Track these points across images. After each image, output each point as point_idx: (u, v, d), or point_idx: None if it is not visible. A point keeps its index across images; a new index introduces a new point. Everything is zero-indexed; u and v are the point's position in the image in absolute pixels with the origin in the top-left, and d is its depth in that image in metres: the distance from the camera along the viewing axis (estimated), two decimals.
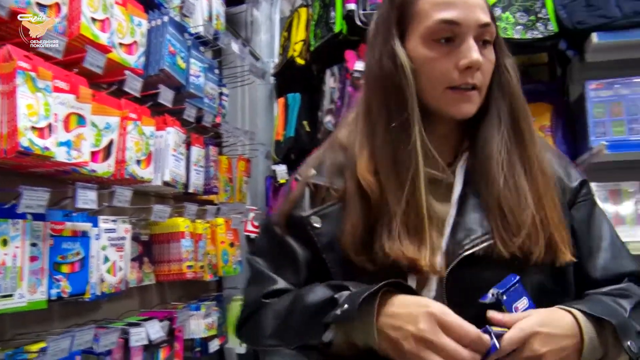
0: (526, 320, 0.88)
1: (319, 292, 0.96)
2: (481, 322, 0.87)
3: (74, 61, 1.51)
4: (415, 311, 0.86)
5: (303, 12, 3.24)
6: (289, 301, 1.00)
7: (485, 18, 1.00)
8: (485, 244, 0.97)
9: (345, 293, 0.91)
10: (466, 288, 0.94)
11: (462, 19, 0.98)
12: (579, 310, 0.92)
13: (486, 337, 0.84)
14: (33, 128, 1.28)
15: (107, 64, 1.61)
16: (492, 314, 0.89)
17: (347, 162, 1.06)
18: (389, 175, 0.99)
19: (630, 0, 2.16)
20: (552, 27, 2.28)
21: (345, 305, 0.87)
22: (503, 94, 1.04)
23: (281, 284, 1.06)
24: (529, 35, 2.28)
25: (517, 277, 0.91)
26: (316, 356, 0.95)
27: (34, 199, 1.24)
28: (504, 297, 0.90)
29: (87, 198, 1.41)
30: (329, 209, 1.05)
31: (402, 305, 0.88)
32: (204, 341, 2.21)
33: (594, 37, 2.18)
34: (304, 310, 0.96)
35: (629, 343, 0.89)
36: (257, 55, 3.49)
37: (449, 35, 0.99)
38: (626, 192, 2.26)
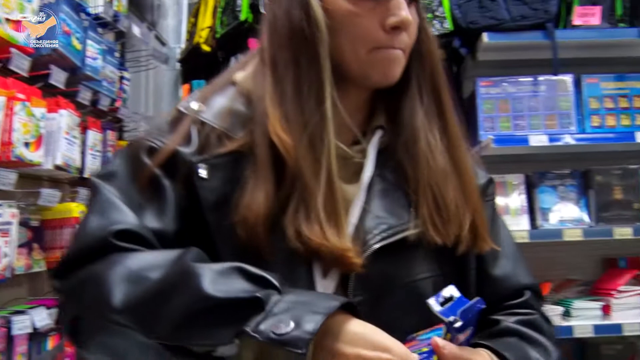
0: None
1: (231, 282, 0.69)
2: (395, 320, 0.77)
3: None
4: (372, 356, 0.66)
5: None
6: (174, 271, 0.71)
7: None
8: (402, 234, 0.84)
9: (275, 297, 0.67)
10: (378, 284, 0.82)
11: None
12: None
13: None
14: None
15: None
16: (437, 341, 0.73)
17: (254, 115, 0.85)
18: (302, 145, 0.81)
19: (518, 5, 2.31)
20: (448, 25, 2.39)
21: (291, 325, 0.64)
22: (424, 62, 0.91)
23: (137, 224, 0.78)
24: None
25: (483, 306, 0.78)
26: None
27: None
28: (458, 324, 0.74)
29: None
30: (220, 160, 0.83)
31: (352, 341, 0.67)
32: None
33: (485, 37, 2.31)
34: (201, 300, 0.68)
35: None
36: (163, 40, 3.44)
37: None
38: (511, 185, 2.41)
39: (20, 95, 1.67)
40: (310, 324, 0.63)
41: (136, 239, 0.77)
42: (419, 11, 0.90)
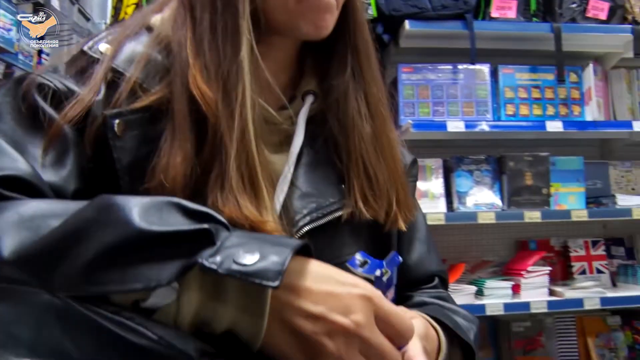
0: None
1: (168, 217, 0.54)
2: None
3: None
4: (343, 292, 0.57)
5: None
6: (84, 211, 0.55)
7: None
8: (333, 215, 0.78)
9: (224, 232, 0.54)
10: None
11: None
12: (443, 327, 0.79)
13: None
14: None
15: None
16: None
17: (173, 65, 0.74)
18: (218, 98, 0.71)
19: None
20: (372, 11, 2.44)
21: (256, 255, 0.52)
22: (353, 22, 0.84)
23: (30, 171, 0.64)
24: None
25: (401, 259, 0.77)
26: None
27: None
28: (387, 276, 0.72)
29: None
30: (136, 115, 0.72)
31: (318, 279, 0.58)
32: None
33: (407, 25, 2.38)
34: (129, 236, 0.52)
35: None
36: (87, 14, 3.33)
37: None
38: (429, 168, 2.50)
39: None
40: (277, 257, 0.52)
41: (28, 189, 0.62)
42: None
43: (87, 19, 3.36)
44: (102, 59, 0.74)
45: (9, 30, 2.03)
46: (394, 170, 0.83)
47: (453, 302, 0.94)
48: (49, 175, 0.67)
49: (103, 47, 0.76)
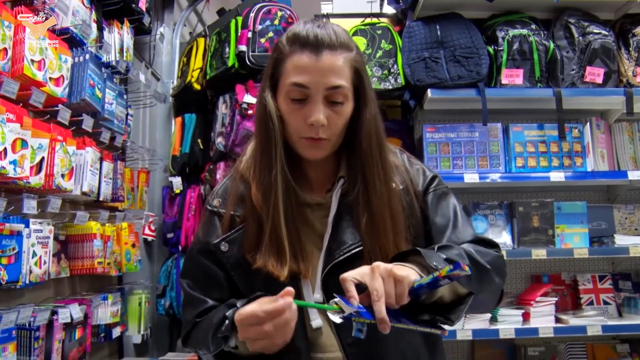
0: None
1: (218, 312, 1.14)
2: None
3: (21, 97, 1.90)
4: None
5: (201, 42, 3.65)
6: (207, 321, 1.19)
7: (336, 81, 1.17)
8: (354, 251, 1.17)
9: (230, 312, 1.09)
10: (339, 286, 1.03)
11: (311, 82, 1.15)
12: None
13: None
14: None
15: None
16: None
17: (246, 190, 1.25)
18: (261, 200, 1.20)
19: (456, 66, 2.84)
20: (401, 80, 2.91)
21: (225, 324, 1.08)
22: (369, 140, 1.22)
23: (209, 302, 1.23)
24: (382, 86, 2.90)
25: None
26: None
27: None
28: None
29: (30, 205, 1.81)
30: (234, 235, 1.23)
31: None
32: (108, 328, 2.61)
33: (429, 92, 2.84)
34: (210, 329, 1.13)
35: (434, 263, 1.05)
36: (157, 75, 3.87)
37: (300, 97, 1.17)
38: None
39: (59, 137, 2.13)
40: (226, 322, 1.11)
41: (210, 311, 1.23)
42: (361, 99, 1.22)
43: (158, 79, 3.90)
44: (215, 209, 1.30)
45: (111, 103, 2.57)
46: (398, 223, 1.23)
47: (481, 247, 1.21)
48: (218, 295, 1.25)
49: (217, 202, 1.31)
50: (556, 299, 2.94)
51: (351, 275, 1.01)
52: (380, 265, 1.01)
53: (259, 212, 1.20)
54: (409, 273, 1.02)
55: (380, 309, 0.96)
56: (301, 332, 1.16)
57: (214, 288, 1.24)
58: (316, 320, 1.19)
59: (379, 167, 1.23)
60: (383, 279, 0.99)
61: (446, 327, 1.05)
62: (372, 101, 1.24)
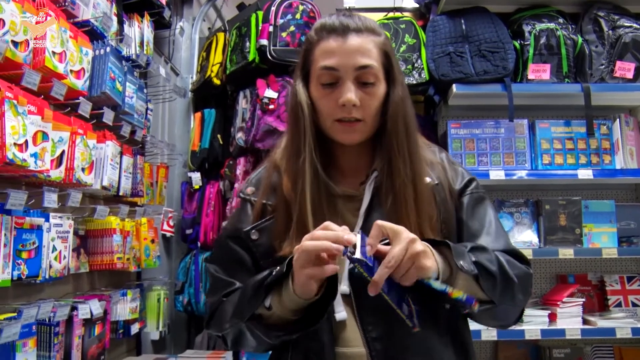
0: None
1: (260, 274, 1.13)
2: (377, 300, 1.01)
3: (42, 89, 1.87)
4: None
5: (221, 36, 3.62)
6: (241, 289, 1.19)
7: (363, 61, 1.19)
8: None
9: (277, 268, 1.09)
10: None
11: (340, 64, 1.19)
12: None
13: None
14: (14, 144, 1.64)
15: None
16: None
17: (279, 180, 1.26)
18: (290, 188, 1.21)
19: (482, 61, 2.78)
20: (425, 75, 2.86)
21: (276, 270, 1.08)
22: (395, 121, 1.21)
23: (237, 284, 1.23)
24: (405, 81, 2.84)
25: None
26: (262, 328, 1.13)
27: (17, 199, 1.60)
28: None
29: (50, 199, 1.78)
30: (265, 224, 1.24)
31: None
32: (127, 324, 2.58)
33: (454, 87, 2.78)
34: (250, 287, 1.13)
35: (461, 262, 1.06)
36: (176, 70, 3.85)
37: (330, 81, 1.20)
38: None
39: (80, 131, 2.10)
40: (283, 266, 1.09)
41: (234, 291, 1.23)
42: (390, 83, 1.23)
43: (177, 74, 3.88)
44: (248, 197, 1.32)
45: (131, 97, 2.54)
46: (421, 209, 1.20)
47: (513, 259, 1.20)
48: (246, 280, 1.21)
49: (250, 190, 1.33)
50: (583, 299, 2.87)
51: (387, 227, 1.03)
52: (416, 241, 1.02)
53: (289, 201, 1.21)
54: (431, 266, 1.03)
55: (382, 274, 0.98)
56: (326, 324, 1.16)
57: (242, 273, 1.24)
58: (341, 313, 1.18)
59: (404, 149, 1.22)
60: (405, 254, 0.99)
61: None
62: (401, 85, 1.25)
